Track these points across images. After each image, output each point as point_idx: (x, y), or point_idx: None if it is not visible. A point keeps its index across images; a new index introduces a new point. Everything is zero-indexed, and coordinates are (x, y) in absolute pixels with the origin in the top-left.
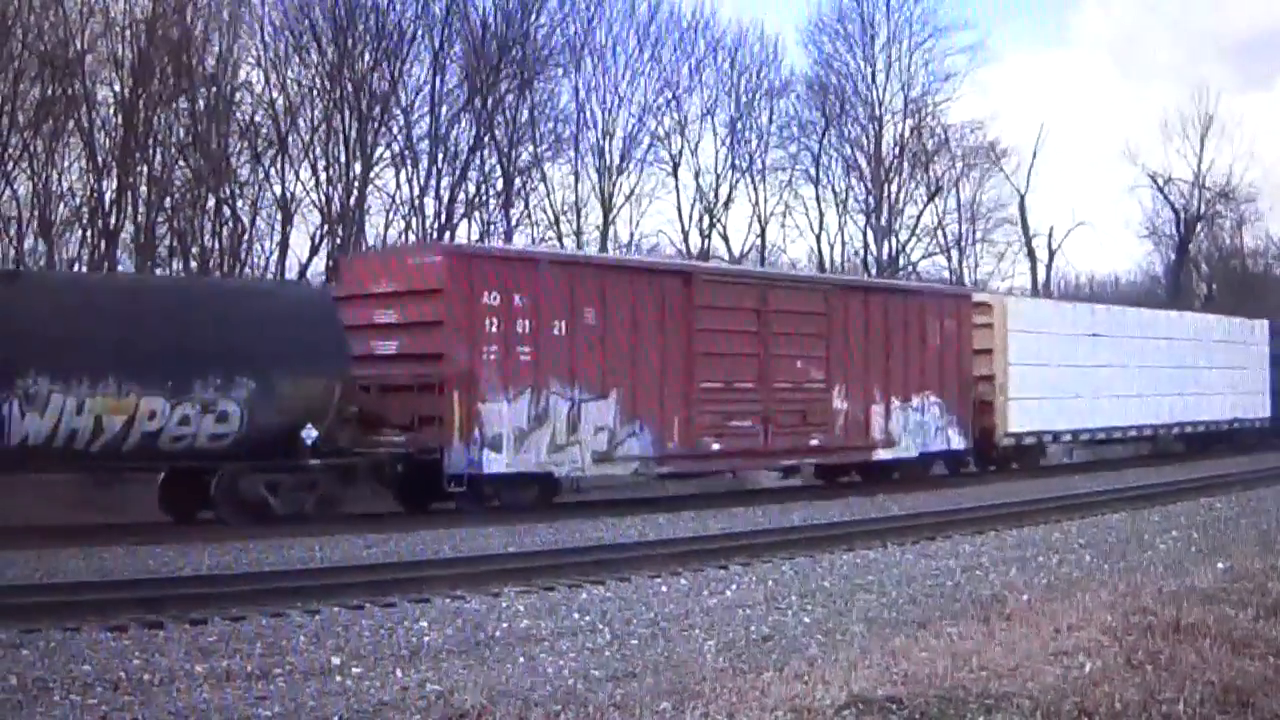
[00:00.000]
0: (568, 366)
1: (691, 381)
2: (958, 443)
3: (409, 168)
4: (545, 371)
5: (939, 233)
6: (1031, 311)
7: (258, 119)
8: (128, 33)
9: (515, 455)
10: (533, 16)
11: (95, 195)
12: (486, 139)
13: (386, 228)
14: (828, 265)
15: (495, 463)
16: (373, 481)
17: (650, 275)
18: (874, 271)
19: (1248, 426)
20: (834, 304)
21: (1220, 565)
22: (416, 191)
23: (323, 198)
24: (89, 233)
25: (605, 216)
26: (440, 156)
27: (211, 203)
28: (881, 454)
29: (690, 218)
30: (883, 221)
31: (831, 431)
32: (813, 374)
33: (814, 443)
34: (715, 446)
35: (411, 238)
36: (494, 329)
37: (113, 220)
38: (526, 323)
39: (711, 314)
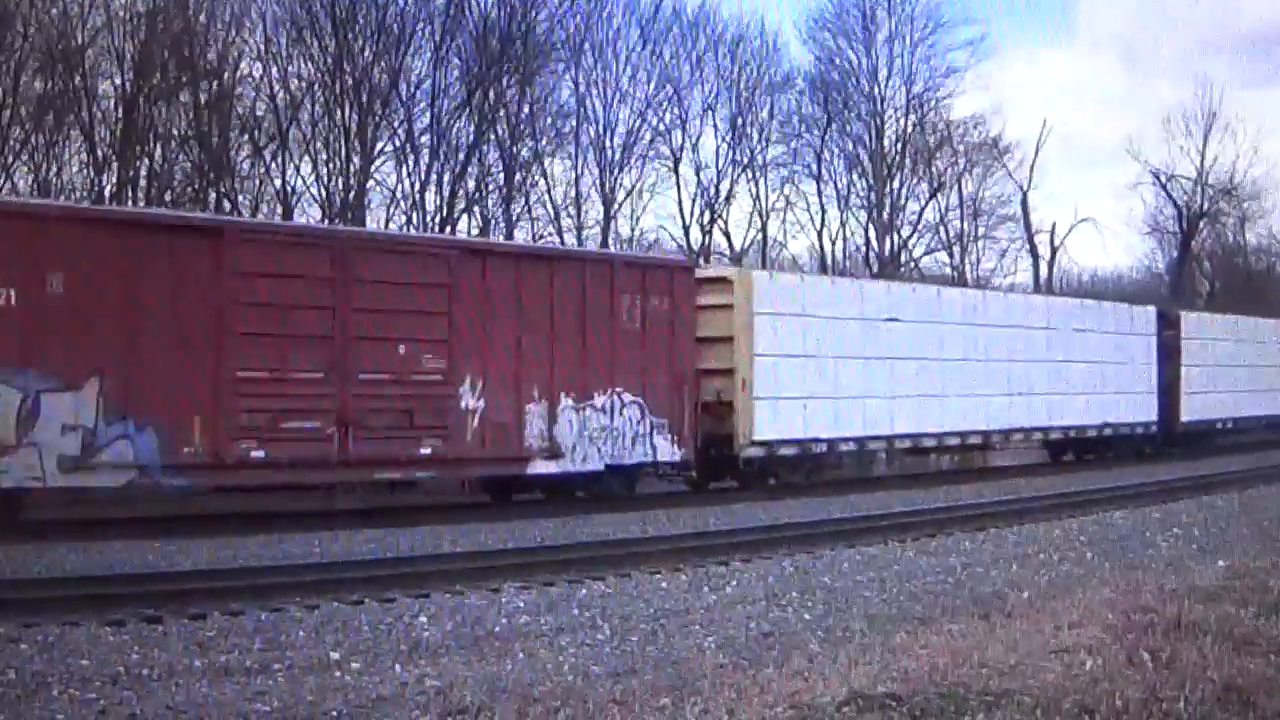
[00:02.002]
0: (18, 347)
1: (221, 369)
2: (668, 452)
3: (410, 162)
4: None
5: (941, 229)
6: (791, 289)
7: (258, 112)
8: (128, 26)
9: None
10: (534, 11)
11: (95, 189)
12: (487, 133)
13: (387, 222)
14: (829, 261)
15: None
16: None
17: (158, 232)
18: (875, 269)
19: (1124, 433)
20: (465, 274)
21: (1221, 563)
22: (417, 186)
23: (323, 192)
24: None
25: (606, 212)
26: (441, 150)
27: (212, 197)
28: (542, 466)
29: (691, 213)
30: (884, 218)
31: (457, 437)
32: (426, 363)
33: (426, 451)
34: (259, 454)
35: (412, 232)
36: None
37: None
38: None
39: (256, 283)
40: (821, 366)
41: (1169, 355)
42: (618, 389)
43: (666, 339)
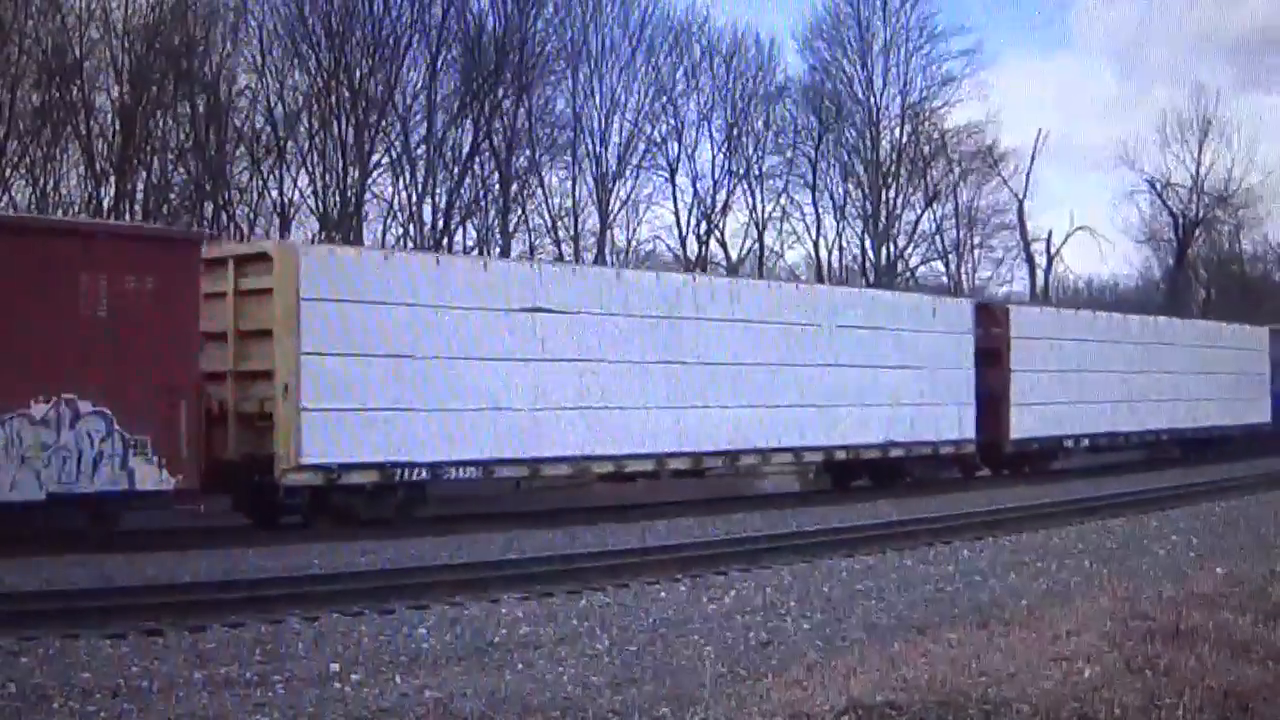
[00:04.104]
0: None
1: None
2: (154, 479)
3: (406, 174)
4: None
5: (937, 238)
6: (368, 269)
7: (256, 125)
8: (127, 39)
9: None
10: (530, 22)
11: (94, 201)
12: (484, 144)
13: (384, 233)
14: (825, 271)
15: None
16: None
17: None
18: (872, 278)
19: (922, 454)
20: None
21: (1219, 570)
22: (414, 197)
23: (320, 204)
24: None
25: (602, 222)
26: (437, 162)
27: (210, 209)
28: None
29: (688, 224)
30: (880, 227)
31: None
32: None
33: None
34: None
35: (409, 243)
36: None
37: None
38: None
39: None
40: (419, 370)
41: (994, 359)
42: (69, 395)
43: (156, 332)
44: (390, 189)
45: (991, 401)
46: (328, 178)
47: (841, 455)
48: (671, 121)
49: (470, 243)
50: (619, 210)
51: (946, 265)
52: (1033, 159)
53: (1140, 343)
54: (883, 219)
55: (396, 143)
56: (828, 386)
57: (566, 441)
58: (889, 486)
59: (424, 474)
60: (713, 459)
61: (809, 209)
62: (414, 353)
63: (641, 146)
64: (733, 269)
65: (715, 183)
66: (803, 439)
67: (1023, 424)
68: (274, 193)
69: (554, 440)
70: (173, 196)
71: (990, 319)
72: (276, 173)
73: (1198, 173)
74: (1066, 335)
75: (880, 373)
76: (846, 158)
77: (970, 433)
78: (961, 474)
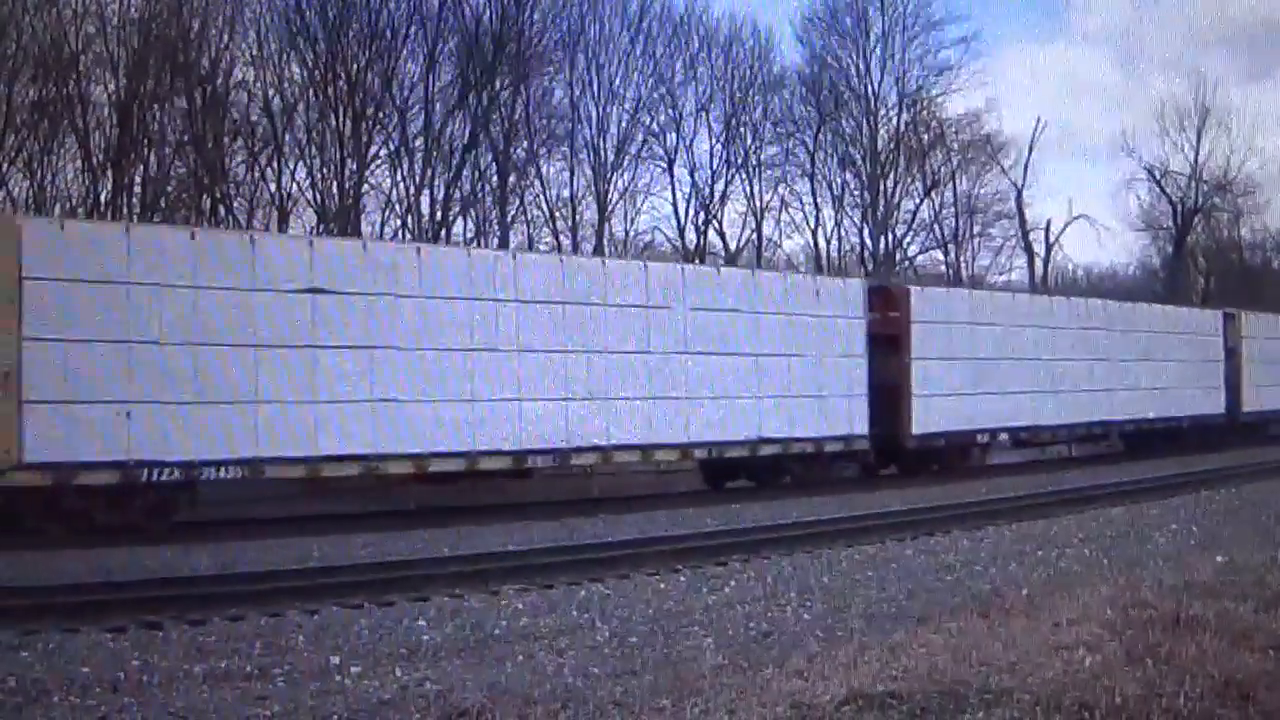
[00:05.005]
0: None
1: None
2: None
3: (404, 166)
4: None
5: (936, 227)
6: (94, 242)
7: (253, 118)
8: (123, 32)
9: None
10: (527, 12)
11: (91, 195)
12: (482, 136)
13: (382, 225)
14: (824, 261)
15: None
16: None
17: None
18: (870, 268)
19: (802, 450)
20: None
21: (1219, 558)
22: (412, 189)
23: (318, 196)
24: None
25: (600, 213)
26: (435, 154)
27: (207, 202)
28: None
29: (686, 214)
30: (878, 216)
31: None
32: None
33: None
34: None
35: (407, 235)
36: None
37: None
38: None
39: None
40: (170, 358)
41: (892, 345)
42: None
43: None
44: (388, 181)
45: (890, 393)
46: (325, 170)
47: (701, 454)
48: (670, 112)
49: (469, 234)
50: (617, 201)
51: (945, 254)
52: (1031, 147)
53: (1070, 328)
54: (881, 208)
55: (394, 134)
56: (681, 376)
57: (354, 438)
58: (772, 487)
59: (175, 474)
60: (538, 457)
61: (807, 198)
62: (163, 339)
63: (640, 137)
64: (731, 259)
65: (713, 173)
66: (651, 435)
67: (926, 417)
68: (272, 185)
69: (338, 437)
70: (170, 190)
71: (887, 302)
72: (274, 165)
73: (1196, 161)
74: (979, 319)
75: (749, 361)
76: (845, 147)
77: (862, 428)
78: (863, 473)
